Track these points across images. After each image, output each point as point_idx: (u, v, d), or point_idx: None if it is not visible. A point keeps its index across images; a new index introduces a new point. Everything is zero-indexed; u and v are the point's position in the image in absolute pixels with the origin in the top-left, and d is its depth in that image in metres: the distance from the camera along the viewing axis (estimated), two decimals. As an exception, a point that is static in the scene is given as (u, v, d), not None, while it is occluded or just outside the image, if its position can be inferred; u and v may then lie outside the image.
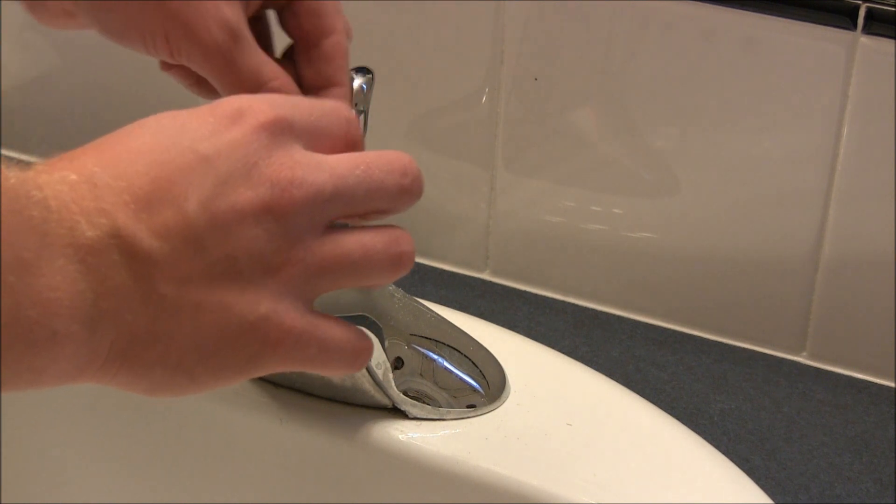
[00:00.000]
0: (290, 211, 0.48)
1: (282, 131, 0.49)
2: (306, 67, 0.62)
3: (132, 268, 0.45)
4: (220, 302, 0.47)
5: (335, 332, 0.51)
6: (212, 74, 0.59)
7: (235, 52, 0.58)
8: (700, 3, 0.77)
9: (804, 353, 0.82)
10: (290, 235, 0.48)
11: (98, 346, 0.45)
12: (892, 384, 0.80)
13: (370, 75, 0.65)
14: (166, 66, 0.62)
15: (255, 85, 0.58)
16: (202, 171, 0.47)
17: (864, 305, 0.80)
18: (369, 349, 0.53)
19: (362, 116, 0.64)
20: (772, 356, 0.82)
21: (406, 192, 0.52)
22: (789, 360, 0.82)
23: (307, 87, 0.62)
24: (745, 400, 0.78)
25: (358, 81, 0.64)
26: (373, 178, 0.51)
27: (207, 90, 0.62)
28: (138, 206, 0.46)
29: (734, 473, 0.68)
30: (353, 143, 0.52)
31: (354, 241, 0.50)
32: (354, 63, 0.66)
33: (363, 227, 0.51)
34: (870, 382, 0.81)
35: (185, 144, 0.47)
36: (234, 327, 0.47)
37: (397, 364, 0.68)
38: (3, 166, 0.43)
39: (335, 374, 0.59)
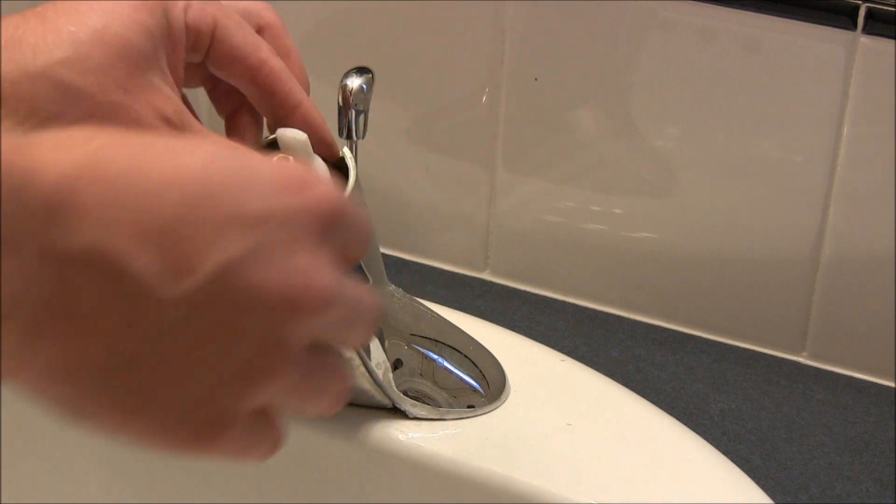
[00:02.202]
0: (305, 317, 0.43)
1: (334, 227, 0.44)
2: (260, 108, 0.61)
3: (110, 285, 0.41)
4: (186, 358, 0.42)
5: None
6: None
7: None
8: (700, 3, 0.77)
9: (804, 353, 0.82)
10: (287, 344, 0.43)
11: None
12: (892, 384, 0.80)
13: (370, 75, 0.65)
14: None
15: None
16: (240, 231, 0.42)
17: (864, 305, 0.80)
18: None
19: (362, 116, 0.65)
20: (772, 356, 0.82)
21: (361, 342, 0.49)
22: (789, 360, 0.82)
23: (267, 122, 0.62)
24: (745, 400, 0.78)
25: (358, 81, 0.64)
26: (367, 318, 0.47)
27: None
28: (148, 235, 0.41)
29: (734, 473, 0.68)
30: (363, 253, 0.48)
31: (336, 364, 0.46)
32: (354, 63, 0.66)
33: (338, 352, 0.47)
34: (870, 382, 0.81)
35: (234, 193, 0.42)
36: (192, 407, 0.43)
37: (396, 364, 0.68)
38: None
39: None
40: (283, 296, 0.42)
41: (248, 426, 0.44)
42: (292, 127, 0.61)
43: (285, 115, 0.61)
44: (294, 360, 0.44)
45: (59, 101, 0.55)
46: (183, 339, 0.41)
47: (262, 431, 0.45)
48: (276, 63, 0.60)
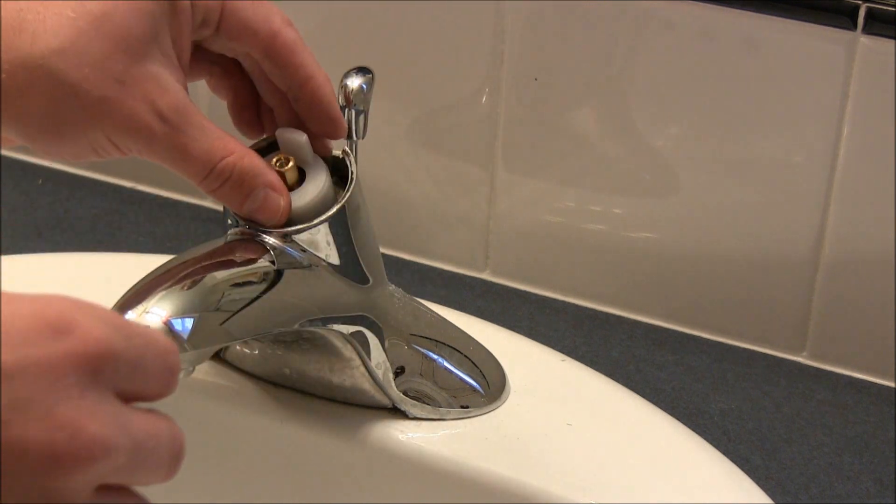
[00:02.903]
0: (75, 469, 0.41)
1: (102, 369, 0.42)
2: (273, 81, 0.61)
3: None
4: None
5: None
6: (164, 163, 0.57)
7: (180, 138, 0.56)
8: (700, 3, 0.77)
9: (804, 353, 0.82)
10: (63, 495, 0.41)
11: None
12: (892, 384, 0.80)
13: (370, 75, 0.65)
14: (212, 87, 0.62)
15: (207, 167, 0.57)
16: None
17: (864, 305, 0.80)
18: None
19: (362, 116, 0.64)
20: (772, 356, 0.82)
21: (163, 479, 0.46)
22: (789, 360, 0.82)
23: (280, 99, 0.61)
24: (745, 400, 0.78)
25: (358, 81, 0.64)
26: (164, 454, 0.45)
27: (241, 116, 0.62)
28: None
29: (734, 473, 0.68)
30: (165, 386, 0.45)
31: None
32: (354, 63, 0.66)
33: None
34: (870, 382, 0.81)
35: None
36: None
37: (399, 372, 0.68)
38: None
39: None
40: (45, 452, 0.40)
41: None
42: (301, 100, 0.60)
43: (297, 86, 0.60)
44: None
45: (51, 96, 0.54)
46: None
47: None
48: (289, 34, 0.59)
